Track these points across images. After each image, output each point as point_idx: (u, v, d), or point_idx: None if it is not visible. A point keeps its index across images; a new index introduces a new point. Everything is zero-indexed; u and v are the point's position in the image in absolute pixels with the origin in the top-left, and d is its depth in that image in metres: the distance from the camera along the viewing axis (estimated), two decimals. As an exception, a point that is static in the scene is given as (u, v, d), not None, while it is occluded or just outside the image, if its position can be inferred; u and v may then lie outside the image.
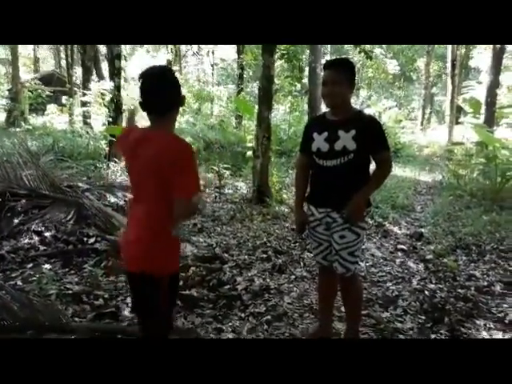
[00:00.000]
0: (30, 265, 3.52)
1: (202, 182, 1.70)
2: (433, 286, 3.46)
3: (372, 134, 2.21)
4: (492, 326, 2.81)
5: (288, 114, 13.81)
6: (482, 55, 16.56)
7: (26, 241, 3.88)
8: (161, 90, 1.63)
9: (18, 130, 11.60)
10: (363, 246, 4.13)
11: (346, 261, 2.28)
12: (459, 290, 3.34)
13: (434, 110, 29.69)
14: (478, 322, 2.86)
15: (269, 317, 2.85)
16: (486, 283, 3.53)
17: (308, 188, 2.46)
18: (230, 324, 2.77)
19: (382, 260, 4.10)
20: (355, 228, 2.25)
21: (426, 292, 3.31)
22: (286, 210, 5.72)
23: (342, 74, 2.22)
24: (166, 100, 1.66)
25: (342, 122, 2.23)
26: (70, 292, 3.05)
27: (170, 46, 16.41)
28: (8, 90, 18.09)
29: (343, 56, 18.07)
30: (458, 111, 16.22)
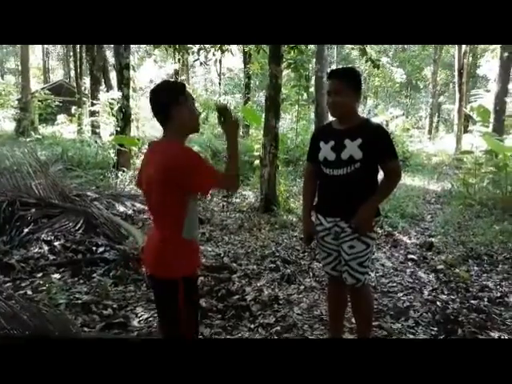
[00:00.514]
0: (40, 274, 3.53)
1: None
2: (445, 296, 3.41)
3: (379, 142, 2.19)
4: (507, 337, 2.75)
5: (295, 123, 13.82)
6: (489, 64, 16.49)
7: (36, 250, 3.90)
8: (154, 102, 1.79)
9: (27, 139, 11.76)
10: (373, 256, 4.08)
11: (356, 271, 2.25)
12: (472, 301, 3.29)
13: (442, 119, 29.59)
14: (492, 333, 2.80)
15: (278, 328, 2.82)
16: (499, 294, 3.47)
17: (316, 197, 2.44)
18: (240, 335, 2.74)
19: (392, 270, 4.05)
20: (364, 238, 2.22)
21: (438, 303, 3.25)
22: (294, 219, 5.69)
23: (345, 84, 2.19)
24: (160, 111, 1.78)
25: (348, 131, 2.21)
26: (79, 302, 3.05)
27: (176, 56, 16.55)
28: (18, 100, 18.34)
29: (350, 65, 18.10)
30: (466, 120, 16.13)
